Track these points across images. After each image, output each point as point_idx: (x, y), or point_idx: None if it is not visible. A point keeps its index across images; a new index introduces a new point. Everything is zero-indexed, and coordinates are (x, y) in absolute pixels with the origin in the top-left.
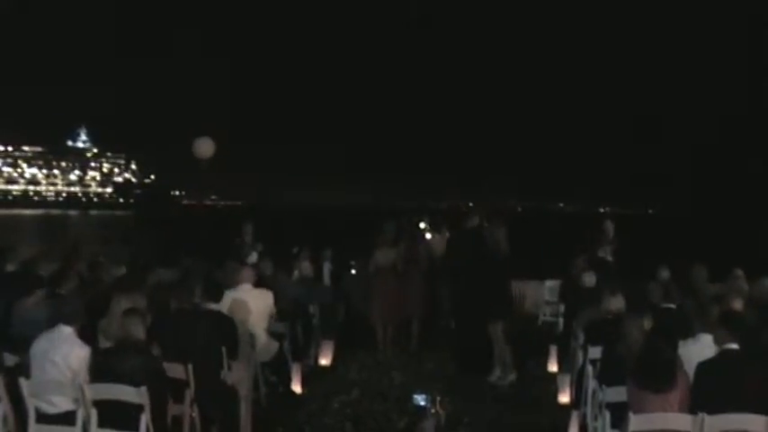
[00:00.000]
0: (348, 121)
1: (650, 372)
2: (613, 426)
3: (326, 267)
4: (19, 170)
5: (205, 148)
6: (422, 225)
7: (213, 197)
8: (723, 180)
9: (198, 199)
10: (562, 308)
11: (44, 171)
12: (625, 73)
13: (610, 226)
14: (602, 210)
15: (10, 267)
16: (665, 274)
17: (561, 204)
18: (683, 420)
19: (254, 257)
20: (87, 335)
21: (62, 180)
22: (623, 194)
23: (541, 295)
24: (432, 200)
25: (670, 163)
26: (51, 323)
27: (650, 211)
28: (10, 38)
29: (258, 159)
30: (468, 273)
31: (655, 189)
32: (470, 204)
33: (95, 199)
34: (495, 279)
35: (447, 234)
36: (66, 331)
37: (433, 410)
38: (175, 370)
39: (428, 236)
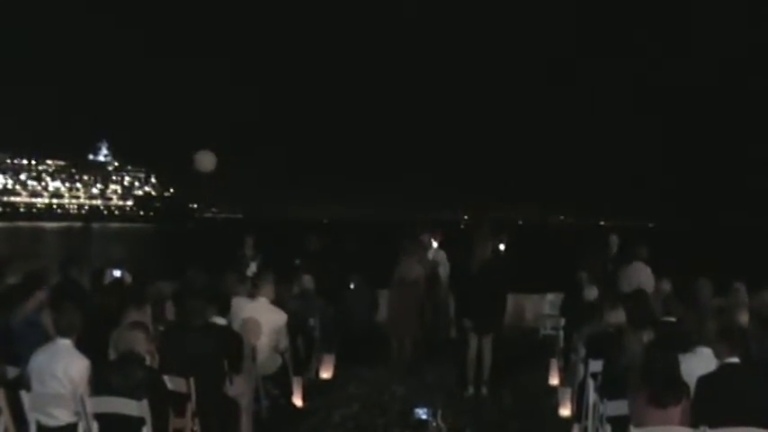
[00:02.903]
0: (348, 135)
1: (654, 386)
2: None
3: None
4: (43, 183)
5: (206, 161)
6: (429, 238)
7: (214, 210)
8: (725, 193)
9: (200, 213)
10: (563, 321)
11: (67, 184)
12: (629, 79)
13: (614, 240)
14: (602, 223)
15: (11, 280)
16: (666, 287)
17: (561, 217)
18: None
19: (253, 268)
20: (94, 347)
21: (84, 193)
22: (624, 207)
23: (542, 309)
24: (433, 212)
25: (672, 176)
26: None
27: (650, 225)
28: (34, 54)
29: (261, 173)
30: (463, 285)
31: (655, 202)
32: (465, 217)
33: (116, 212)
34: (487, 292)
35: (432, 250)
36: (65, 343)
37: (434, 423)
38: (177, 383)
39: (431, 249)
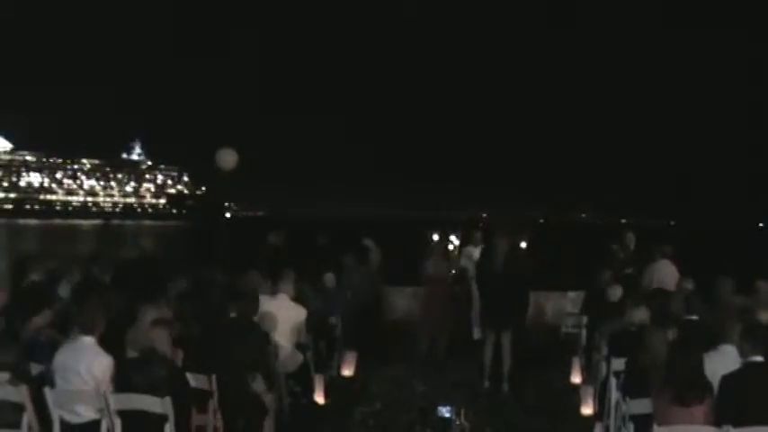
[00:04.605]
0: (367, 133)
1: (678, 385)
2: None
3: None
4: (78, 182)
5: (228, 159)
6: (453, 237)
7: (235, 207)
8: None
9: (223, 210)
10: (585, 319)
11: (101, 183)
12: (648, 78)
13: (631, 238)
14: (623, 221)
15: (34, 277)
16: (688, 285)
17: (583, 215)
18: None
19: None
20: (113, 344)
21: (118, 191)
22: (645, 205)
23: (563, 307)
24: (453, 211)
25: (691, 173)
26: (54, 348)
27: (672, 223)
28: (66, 55)
29: (284, 170)
30: (487, 283)
31: (676, 200)
32: (483, 215)
33: (150, 210)
34: (510, 290)
35: (480, 247)
36: (88, 341)
37: (457, 422)
38: (200, 380)
39: (451, 248)
